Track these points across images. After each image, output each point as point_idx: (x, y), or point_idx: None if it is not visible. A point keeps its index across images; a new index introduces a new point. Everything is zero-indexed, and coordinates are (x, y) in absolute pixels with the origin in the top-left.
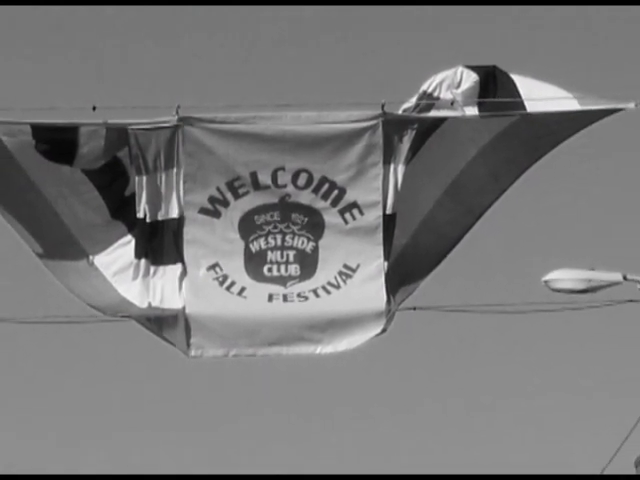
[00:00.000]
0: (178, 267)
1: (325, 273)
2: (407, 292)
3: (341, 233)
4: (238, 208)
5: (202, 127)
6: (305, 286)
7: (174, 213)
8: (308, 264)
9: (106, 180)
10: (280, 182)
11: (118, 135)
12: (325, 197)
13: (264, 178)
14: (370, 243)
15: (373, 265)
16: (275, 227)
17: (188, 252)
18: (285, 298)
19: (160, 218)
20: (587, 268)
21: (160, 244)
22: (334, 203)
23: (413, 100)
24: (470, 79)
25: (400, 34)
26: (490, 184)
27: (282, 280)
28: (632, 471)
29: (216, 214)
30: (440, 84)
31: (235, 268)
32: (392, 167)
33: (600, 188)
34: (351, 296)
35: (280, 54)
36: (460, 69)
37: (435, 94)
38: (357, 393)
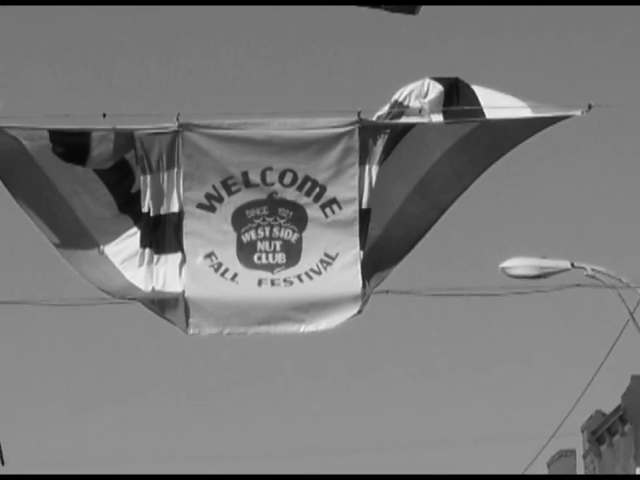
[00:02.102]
0: (178, 255)
1: (308, 261)
2: (381, 277)
3: (322, 226)
4: (231, 203)
5: (199, 132)
6: (290, 272)
7: (175, 208)
8: (293, 253)
9: (115, 179)
10: (268, 180)
11: (125, 139)
12: (308, 194)
13: (254, 177)
14: (348, 234)
15: (350, 254)
16: (264, 220)
17: (187, 242)
18: (273, 283)
19: (162, 212)
20: (539, 256)
21: (162, 235)
22: (316, 199)
23: (386, 108)
24: (436, 90)
25: (374, 50)
26: (454, 182)
27: (270, 267)
28: (579, 435)
29: (212, 209)
30: (409, 94)
31: (229, 256)
32: (367, 167)
33: (552, 185)
34: (331, 281)
35: (267, 69)
36: (427, 81)
37: (405, 103)
38: (336, 366)
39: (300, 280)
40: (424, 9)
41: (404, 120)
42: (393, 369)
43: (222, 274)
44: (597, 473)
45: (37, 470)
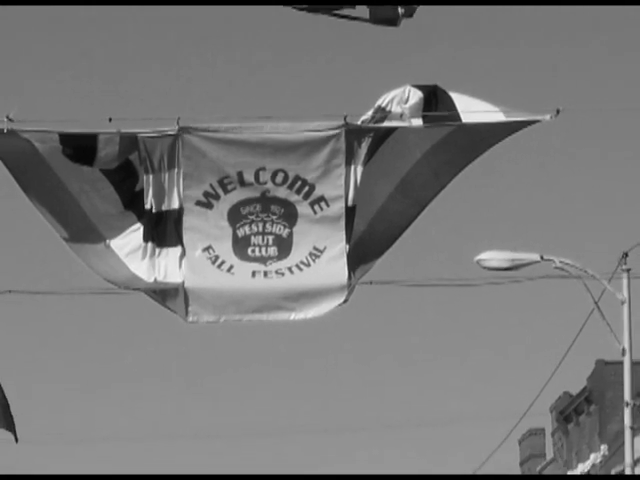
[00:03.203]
0: (178, 249)
1: (298, 254)
2: (365, 269)
3: (311, 221)
4: (227, 201)
5: (198, 135)
6: (282, 264)
7: (175, 205)
8: (284, 246)
9: (120, 178)
10: (261, 180)
11: (130, 141)
12: (298, 192)
13: (248, 176)
14: (335, 229)
15: (337, 247)
16: (257, 216)
17: (186, 237)
18: (265, 274)
19: (164, 209)
20: (511, 250)
21: (164, 230)
22: (305, 197)
23: (370, 113)
24: (416, 96)
25: (359, 59)
26: (432, 181)
27: (263, 259)
28: (547, 415)
29: (209, 206)
30: (391, 100)
31: (225, 250)
32: (353, 168)
33: (523, 184)
34: (319, 272)
35: (261, 76)
36: (408, 88)
37: (387, 108)
38: (323, 351)
39: (291, 272)
40: (405, 22)
41: (387, 124)
42: (376, 354)
43: (219, 266)
44: (565, 450)
45: (49, 445)
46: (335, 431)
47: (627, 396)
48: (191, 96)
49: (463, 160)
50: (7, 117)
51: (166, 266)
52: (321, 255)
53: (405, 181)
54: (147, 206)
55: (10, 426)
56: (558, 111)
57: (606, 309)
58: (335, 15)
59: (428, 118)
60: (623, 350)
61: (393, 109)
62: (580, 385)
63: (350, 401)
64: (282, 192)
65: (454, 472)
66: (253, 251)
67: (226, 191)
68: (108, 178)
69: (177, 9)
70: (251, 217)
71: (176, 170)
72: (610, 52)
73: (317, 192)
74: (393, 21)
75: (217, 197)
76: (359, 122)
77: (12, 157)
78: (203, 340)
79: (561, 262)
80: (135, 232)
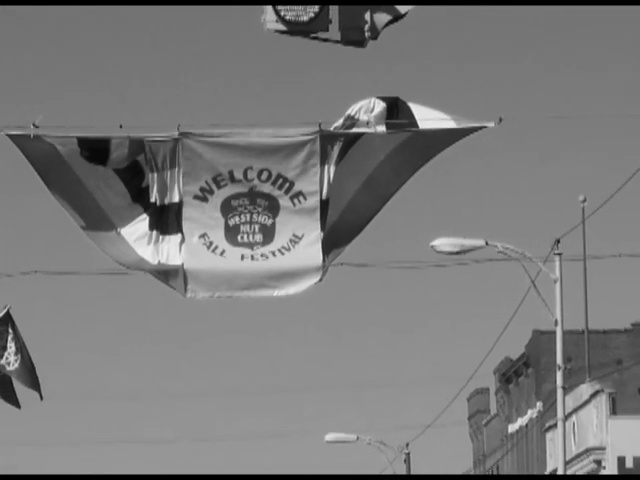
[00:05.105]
0: (178, 236)
1: (280, 240)
2: (337, 253)
3: (291, 213)
4: (220, 195)
5: (195, 139)
6: (266, 249)
7: (176, 199)
8: (268, 234)
9: (129, 176)
10: (249, 177)
11: (137, 145)
12: (280, 188)
13: (238, 174)
14: (311, 219)
15: (313, 235)
16: (245, 208)
17: (185, 226)
18: (252, 257)
19: (166, 202)
20: (460, 236)
21: (166, 220)
22: (286, 192)
23: (341, 121)
24: (380, 106)
25: (331, 75)
26: (394, 178)
27: (250, 245)
28: (491, 377)
29: (205, 199)
30: (359, 109)
31: (218, 237)
32: (326, 167)
33: (471, 181)
34: (298, 256)
35: (248, 89)
36: (373, 99)
37: (356, 117)
38: (301, 323)
39: (274, 255)
40: (371, 43)
41: (355, 130)
42: (346, 325)
43: (213, 250)
44: (506, 406)
45: (71, 401)
46: (310, 389)
47: (559, 360)
48: (189, 107)
49: (420, 161)
50: (33, 124)
51: (168, 250)
52: (299, 241)
53: (371, 178)
54: (152, 200)
55: (36, 386)
56: (501, 119)
57: (541, 287)
58: (312, 38)
59: (390, 125)
60: (556, 321)
61: (361, 117)
62: (519, 351)
63: (322, 365)
64: (266, 188)
65: (410, 425)
66: (242, 238)
67: (219, 187)
68: (119, 176)
69: (178, 33)
70: (240, 209)
71: (177, 169)
72: (545, 68)
73: (296, 188)
74: (360, 43)
75: (211, 192)
76: (332, 128)
77: (37, 158)
78: (199, 313)
79: (503, 247)
80: (142, 222)
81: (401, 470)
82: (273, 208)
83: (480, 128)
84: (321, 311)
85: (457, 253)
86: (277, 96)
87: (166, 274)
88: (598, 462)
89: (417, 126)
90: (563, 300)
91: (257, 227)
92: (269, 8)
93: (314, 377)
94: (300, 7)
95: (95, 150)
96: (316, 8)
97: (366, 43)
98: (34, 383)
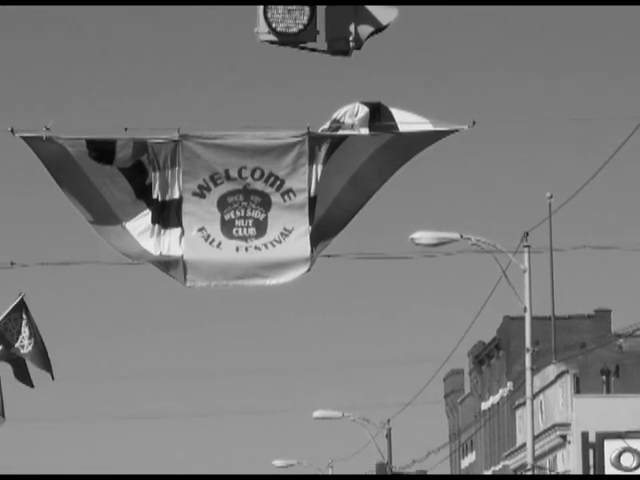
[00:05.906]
0: (179, 229)
1: (272, 233)
2: (324, 245)
3: (282, 208)
4: (217, 192)
5: (194, 141)
6: (259, 242)
7: (176, 195)
8: (261, 228)
9: (133, 174)
10: (243, 176)
11: (141, 146)
12: (272, 185)
13: (233, 173)
14: (300, 214)
15: (302, 228)
16: (240, 204)
17: (185, 220)
18: (246, 249)
19: (167, 199)
20: (437, 229)
21: (167, 215)
22: (277, 189)
23: (327, 124)
24: (364, 110)
25: (319, 82)
26: (376, 177)
27: (244, 238)
28: (465, 359)
29: (202, 196)
30: (344, 113)
31: (215, 230)
32: (314, 166)
33: (447, 180)
34: (288, 248)
35: (243, 95)
36: (357, 104)
37: (341, 120)
38: (290, 308)
39: (266, 247)
40: (355, 53)
41: (341, 132)
42: (333, 311)
43: (210, 243)
44: (479, 386)
45: (81, 381)
46: (301, 370)
47: (528, 344)
48: (189, 111)
49: (401, 160)
50: (45, 127)
51: (169, 243)
52: (290, 234)
53: (355, 177)
54: (154, 196)
55: (48, 367)
56: (474, 122)
57: (511, 276)
58: (301, 48)
59: (373, 128)
60: (525, 308)
61: (346, 121)
62: (491, 335)
63: (311, 348)
64: (259, 185)
65: (391, 403)
66: (237, 231)
67: (216, 184)
68: (124, 174)
69: (178, 46)
70: (235, 205)
71: (177, 168)
72: (513, 76)
73: (286, 185)
74: (346, 52)
75: (209, 189)
76: (319, 131)
77: (49, 158)
78: (198, 300)
79: (476, 239)
80: (145, 216)
81: (383, 444)
82: (265, 204)
83: (455, 131)
84: (310, 299)
85: (434, 245)
86: (269, 101)
87: (167, 265)
88: (564, 437)
89: (398, 129)
90: (531, 289)
91: (251, 221)
92: (262, 21)
93: (303, 359)
94: (290, 19)
95: (102, 151)
96: (305, 20)
97: (351, 53)
98: (46, 365)
